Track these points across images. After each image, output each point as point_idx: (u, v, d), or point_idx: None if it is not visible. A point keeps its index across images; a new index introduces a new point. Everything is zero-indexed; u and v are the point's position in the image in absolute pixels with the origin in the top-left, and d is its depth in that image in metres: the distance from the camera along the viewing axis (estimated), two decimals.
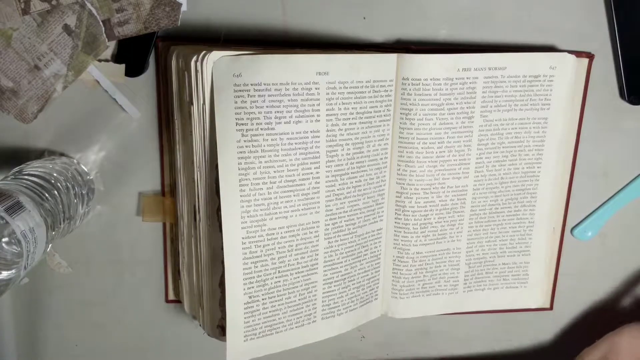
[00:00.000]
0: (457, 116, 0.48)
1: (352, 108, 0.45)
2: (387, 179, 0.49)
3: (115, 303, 0.54)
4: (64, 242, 0.51)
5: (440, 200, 0.50)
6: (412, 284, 0.52)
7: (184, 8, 0.46)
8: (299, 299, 0.47)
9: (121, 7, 0.44)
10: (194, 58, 0.41)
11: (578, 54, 0.50)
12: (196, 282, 0.47)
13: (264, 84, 0.41)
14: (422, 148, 0.48)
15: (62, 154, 0.49)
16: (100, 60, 0.47)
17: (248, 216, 0.43)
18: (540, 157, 0.51)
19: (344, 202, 0.47)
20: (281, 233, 0.45)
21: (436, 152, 0.49)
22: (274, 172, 0.43)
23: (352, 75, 0.44)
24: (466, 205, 0.51)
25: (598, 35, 0.51)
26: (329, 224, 0.47)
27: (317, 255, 0.47)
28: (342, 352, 0.58)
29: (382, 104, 0.46)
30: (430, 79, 0.46)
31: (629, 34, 0.50)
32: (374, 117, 0.46)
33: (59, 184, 0.45)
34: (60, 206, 0.44)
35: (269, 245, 0.45)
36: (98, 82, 0.47)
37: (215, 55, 0.40)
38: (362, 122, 0.46)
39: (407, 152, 0.48)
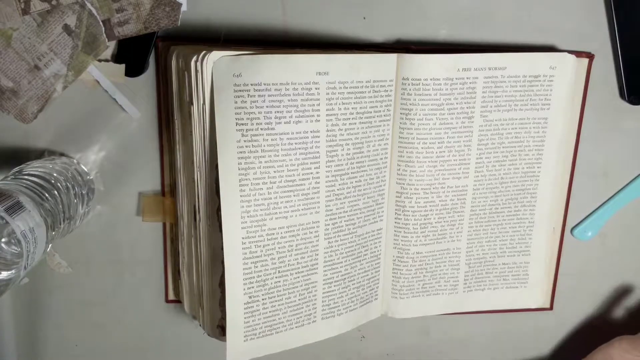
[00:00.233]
0: (457, 116, 0.48)
1: (352, 108, 0.45)
2: (387, 179, 0.49)
3: (115, 303, 0.54)
4: (64, 242, 0.51)
5: (440, 200, 0.50)
6: (412, 284, 0.52)
7: (184, 8, 0.46)
8: (299, 299, 0.47)
9: (121, 7, 0.44)
10: (194, 58, 0.41)
11: (578, 54, 0.50)
12: (196, 282, 0.47)
13: (264, 84, 0.41)
14: (422, 148, 0.48)
15: (62, 154, 0.49)
16: (100, 60, 0.47)
17: (248, 216, 0.43)
18: (540, 157, 0.51)
19: (344, 202, 0.47)
20: (281, 233, 0.45)
21: (436, 152, 0.49)
22: (274, 172, 0.43)
23: (352, 75, 0.44)
24: (466, 205, 0.51)
25: (598, 35, 0.51)
26: (329, 224, 0.47)
27: (317, 255, 0.47)
28: (342, 352, 0.58)
29: (382, 104, 0.46)
30: (430, 79, 0.46)
31: (629, 34, 0.50)
32: (374, 117, 0.46)
33: (59, 184, 0.45)
34: (60, 206, 0.44)
35: (269, 245, 0.45)
36: (98, 82, 0.47)
37: (215, 55, 0.40)
38: (362, 122, 0.46)
39: (407, 152, 0.48)
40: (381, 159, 0.48)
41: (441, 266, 0.52)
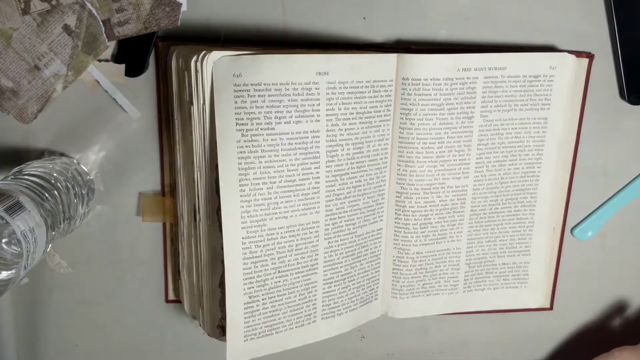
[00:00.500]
0: (457, 116, 0.48)
1: (352, 108, 0.45)
2: (387, 179, 0.49)
3: (115, 303, 0.54)
4: (64, 242, 0.51)
5: (440, 200, 0.50)
6: (412, 284, 0.52)
7: (184, 8, 0.46)
8: (299, 299, 0.47)
9: (121, 7, 0.44)
10: (194, 58, 0.41)
11: (578, 54, 0.50)
12: (196, 282, 0.47)
13: (264, 84, 0.41)
14: (422, 148, 0.48)
15: (62, 154, 0.49)
16: (100, 60, 0.47)
17: (248, 216, 0.43)
18: (540, 157, 0.51)
19: (344, 202, 0.47)
20: (281, 233, 0.45)
21: (436, 152, 0.49)
22: (274, 172, 0.43)
23: (352, 75, 0.44)
24: (466, 205, 0.51)
25: (598, 35, 0.51)
26: (329, 224, 0.47)
27: (317, 255, 0.47)
28: (342, 352, 0.58)
29: (382, 104, 0.46)
30: (430, 79, 0.46)
31: (629, 34, 0.50)
32: (374, 117, 0.46)
33: (59, 184, 0.45)
34: (60, 206, 0.44)
35: (269, 245, 0.45)
36: (98, 82, 0.47)
37: (215, 55, 0.40)
38: (362, 122, 0.46)
39: (407, 152, 0.48)
40: (381, 159, 0.48)
41: (441, 266, 0.52)
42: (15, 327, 0.53)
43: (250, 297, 0.45)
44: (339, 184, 0.46)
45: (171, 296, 0.53)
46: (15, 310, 0.53)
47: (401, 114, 0.47)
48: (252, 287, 0.45)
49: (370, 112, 0.46)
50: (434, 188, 0.50)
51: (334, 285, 0.49)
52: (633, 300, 0.60)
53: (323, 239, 0.47)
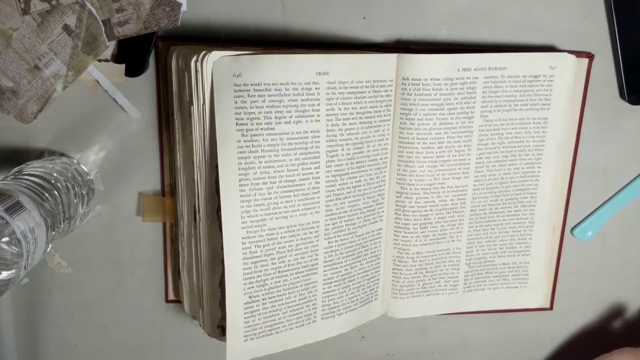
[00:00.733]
0: (457, 116, 0.48)
1: (352, 108, 0.45)
2: (387, 179, 0.49)
3: (115, 303, 0.54)
4: (64, 242, 0.51)
5: (440, 200, 0.50)
6: (412, 284, 0.52)
7: (184, 8, 0.46)
8: (299, 299, 0.47)
9: (121, 7, 0.44)
10: (194, 58, 0.41)
11: (578, 54, 0.50)
12: (196, 282, 0.47)
13: (264, 84, 0.41)
14: (422, 148, 0.48)
15: (62, 154, 0.49)
16: (100, 60, 0.47)
17: (248, 216, 0.43)
18: (540, 157, 0.51)
19: (344, 202, 0.47)
20: (281, 233, 0.45)
21: (436, 152, 0.49)
22: (274, 172, 0.43)
23: (352, 75, 0.44)
24: (466, 205, 0.51)
25: (598, 35, 0.51)
26: (329, 224, 0.47)
27: (317, 255, 0.47)
28: (342, 352, 0.58)
29: (382, 104, 0.46)
30: (430, 79, 0.46)
31: (629, 34, 0.50)
32: (374, 117, 0.46)
33: (59, 184, 0.45)
34: (60, 206, 0.44)
35: (269, 245, 0.45)
36: (98, 82, 0.47)
37: (215, 55, 0.40)
38: (362, 122, 0.46)
39: (407, 152, 0.48)
40: (381, 159, 0.48)
41: (441, 266, 0.52)
42: (15, 327, 0.53)
43: (250, 297, 0.45)
44: (339, 184, 0.46)
45: (171, 296, 0.53)
46: (15, 310, 0.53)
47: (401, 114, 0.47)
48: (252, 287, 0.45)
49: (370, 112, 0.46)
50: (434, 188, 0.50)
51: (334, 285, 0.49)
52: (633, 300, 0.60)
53: (323, 239, 0.47)
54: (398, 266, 0.51)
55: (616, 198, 0.56)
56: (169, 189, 0.50)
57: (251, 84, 0.41)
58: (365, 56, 0.45)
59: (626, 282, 0.59)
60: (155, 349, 0.56)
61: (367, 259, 0.50)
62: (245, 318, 0.45)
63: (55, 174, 0.45)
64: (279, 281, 0.46)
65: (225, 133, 0.41)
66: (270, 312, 0.46)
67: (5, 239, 0.37)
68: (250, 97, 0.41)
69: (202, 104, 0.41)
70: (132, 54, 0.47)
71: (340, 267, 0.48)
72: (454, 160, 0.49)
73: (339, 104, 0.44)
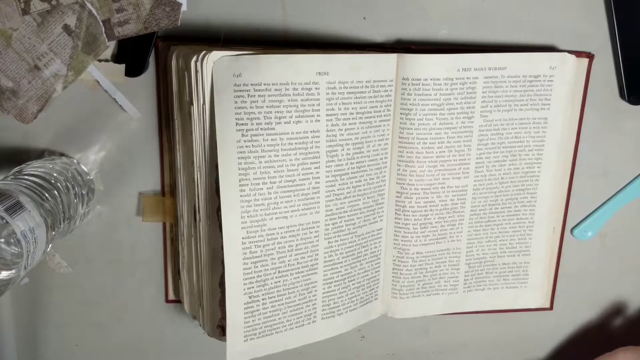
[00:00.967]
0: (457, 116, 0.48)
1: (352, 108, 0.45)
2: (387, 179, 0.49)
3: (115, 303, 0.54)
4: (64, 242, 0.51)
5: (440, 200, 0.50)
6: (412, 284, 0.52)
7: (184, 8, 0.46)
8: (299, 299, 0.47)
9: (121, 7, 0.44)
10: (194, 58, 0.41)
11: (578, 54, 0.50)
12: (196, 282, 0.47)
13: (264, 84, 0.41)
14: (422, 148, 0.48)
15: (62, 154, 0.49)
16: (100, 60, 0.47)
17: (248, 216, 0.43)
18: (540, 157, 0.51)
19: (344, 202, 0.47)
20: (281, 233, 0.45)
21: (436, 152, 0.49)
22: (274, 172, 0.43)
23: (352, 75, 0.44)
24: (466, 205, 0.51)
25: (598, 35, 0.51)
26: (329, 224, 0.47)
27: (317, 255, 0.47)
28: (342, 352, 0.58)
29: (382, 104, 0.46)
30: (430, 79, 0.46)
31: (629, 34, 0.50)
32: (374, 117, 0.46)
33: (59, 184, 0.45)
34: (60, 206, 0.44)
35: (269, 245, 0.45)
36: (98, 82, 0.47)
37: (215, 55, 0.40)
38: (362, 122, 0.46)
39: (407, 152, 0.48)
40: (381, 159, 0.48)
41: (441, 266, 0.52)
42: (15, 327, 0.53)
43: (250, 297, 0.45)
44: (339, 184, 0.46)
45: (171, 296, 0.53)
46: (15, 310, 0.53)
47: (401, 114, 0.47)
48: (252, 287, 0.45)
49: (370, 112, 0.46)
50: (434, 188, 0.50)
51: (334, 285, 0.49)
52: (633, 300, 0.60)
53: (323, 239, 0.47)
54: (398, 266, 0.51)
55: (616, 198, 0.56)
56: (169, 189, 0.50)
57: (251, 84, 0.41)
58: (365, 56, 0.45)
59: (626, 282, 0.59)
60: (155, 348, 0.56)
61: (367, 259, 0.50)
62: (245, 318, 0.45)
63: (55, 174, 0.45)
64: (279, 281, 0.46)
65: (225, 133, 0.41)
66: (270, 312, 0.46)
67: (5, 239, 0.37)
68: (250, 97, 0.41)
69: (202, 104, 0.41)
70: (132, 54, 0.47)
71: (340, 267, 0.48)
72: (454, 160, 0.49)
73: (339, 104, 0.44)
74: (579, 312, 0.59)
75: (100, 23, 0.44)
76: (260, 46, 0.47)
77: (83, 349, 0.55)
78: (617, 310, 0.60)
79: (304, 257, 0.46)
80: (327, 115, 0.44)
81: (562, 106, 0.50)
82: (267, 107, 0.42)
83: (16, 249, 0.37)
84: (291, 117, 0.43)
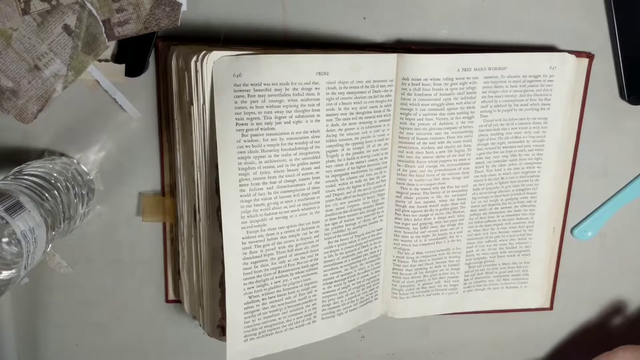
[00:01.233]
0: (457, 116, 0.48)
1: (352, 108, 0.45)
2: (387, 179, 0.49)
3: (115, 303, 0.54)
4: (64, 242, 0.51)
5: (440, 200, 0.50)
6: (412, 284, 0.52)
7: (184, 8, 0.46)
8: (299, 299, 0.47)
9: (121, 7, 0.44)
10: (194, 58, 0.41)
11: (578, 54, 0.50)
12: (196, 282, 0.47)
13: (264, 84, 0.41)
14: (422, 148, 0.48)
15: (62, 154, 0.49)
16: (100, 60, 0.47)
17: (248, 216, 0.43)
18: (540, 157, 0.51)
19: (344, 202, 0.47)
20: (281, 233, 0.45)
21: (436, 152, 0.49)
22: (274, 172, 0.43)
23: (352, 75, 0.44)
24: (466, 205, 0.51)
25: (598, 35, 0.51)
26: (329, 224, 0.47)
27: (317, 255, 0.47)
28: (342, 352, 0.58)
29: (382, 104, 0.46)
30: (430, 79, 0.46)
31: (629, 34, 0.50)
32: (374, 117, 0.46)
33: (59, 184, 0.45)
34: (60, 206, 0.44)
35: (269, 245, 0.45)
36: (98, 82, 0.47)
37: (215, 55, 0.40)
38: (362, 122, 0.46)
39: (407, 152, 0.48)
40: (381, 159, 0.48)
41: (441, 266, 0.52)
42: (15, 327, 0.53)
43: (250, 297, 0.45)
44: (339, 184, 0.46)
45: (171, 296, 0.53)
46: (15, 310, 0.53)
47: (401, 114, 0.47)
48: (252, 287, 0.45)
49: (370, 112, 0.46)
50: (434, 188, 0.50)
51: (334, 285, 0.49)
52: (633, 300, 0.60)
53: (323, 239, 0.47)
54: (398, 266, 0.51)
55: (616, 198, 0.56)
56: (169, 189, 0.50)
57: (251, 84, 0.41)
58: (365, 56, 0.45)
59: (626, 281, 0.59)
60: (155, 348, 0.56)
61: (367, 259, 0.50)
62: (245, 318, 0.45)
63: (55, 174, 0.45)
64: (279, 281, 0.46)
65: (225, 133, 0.41)
66: (270, 312, 0.46)
67: (5, 239, 0.37)
68: (250, 97, 0.41)
69: (202, 104, 0.41)
70: (132, 54, 0.47)
71: (340, 267, 0.48)
72: (454, 160, 0.49)
73: (339, 104, 0.44)
74: (579, 312, 0.59)
75: (100, 23, 0.44)
76: (260, 46, 0.47)
77: (83, 349, 0.55)
78: (616, 309, 0.60)
79: (304, 257, 0.46)
80: (327, 115, 0.44)
81: (562, 106, 0.50)
82: (267, 107, 0.42)
83: (16, 249, 0.37)
84: (291, 117, 0.43)
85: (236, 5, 0.47)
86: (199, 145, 0.43)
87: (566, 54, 0.49)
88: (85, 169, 0.49)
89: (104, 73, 0.47)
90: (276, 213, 0.44)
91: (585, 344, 0.60)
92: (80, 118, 0.48)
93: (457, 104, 0.48)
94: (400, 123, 0.48)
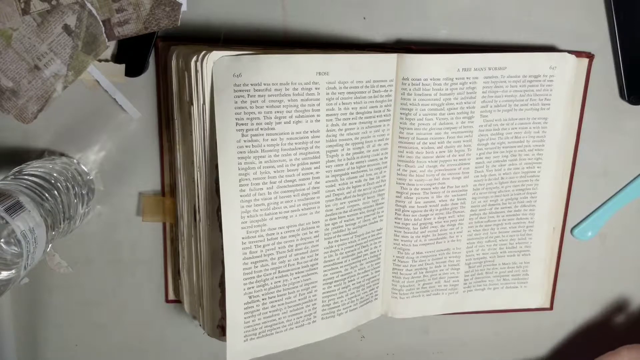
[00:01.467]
0: (457, 116, 0.48)
1: (352, 108, 0.45)
2: (387, 179, 0.49)
3: (115, 303, 0.54)
4: (64, 242, 0.51)
5: (440, 200, 0.50)
6: (412, 284, 0.52)
7: (184, 8, 0.46)
8: (299, 299, 0.47)
9: (121, 7, 0.44)
10: (194, 58, 0.41)
11: (578, 54, 0.50)
12: (196, 282, 0.47)
13: (264, 84, 0.41)
14: (422, 148, 0.48)
15: (62, 154, 0.49)
16: (100, 60, 0.47)
17: (248, 216, 0.43)
18: (540, 157, 0.51)
19: (344, 202, 0.47)
20: (281, 233, 0.45)
21: (436, 152, 0.49)
22: (274, 172, 0.43)
23: (352, 75, 0.44)
24: (466, 205, 0.51)
25: (598, 35, 0.51)
26: (329, 224, 0.47)
27: (317, 255, 0.47)
28: (342, 352, 0.58)
29: (382, 104, 0.46)
30: (430, 79, 0.46)
31: (629, 34, 0.50)
32: (374, 117, 0.46)
33: (59, 184, 0.45)
34: (60, 206, 0.44)
35: (269, 245, 0.45)
36: (98, 82, 0.48)
37: (215, 55, 0.40)
38: (362, 122, 0.46)
39: (407, 152, 0.48)
40: (381, 159, 0.48)
41: (441, 266, 0.52)
42: (15, 327, 0.53)
43: (250, 297, 0.45)
44: (339, 184, 0.46)
45: (171, 296, 0.53)
46: (15, 310, 0.53)
47: (401, 114, 0.47)
48: (252, 287, 0.45)
49: (370, 112, 0.46)
50: (434, 188, 0.50)
51: (334, 285, 0.49)
52: (633, 300, 0.60)
53: (323, 239, 0.47)
54: (398, 266, 0.51)
55: (616, 198, 0.56)
56: (169, 189, 0.50)
57: (251, 84, 0.41)
58: (365, 56, 0.45)
59: (626, 282, 0.59)
60: (155, 348, 0.56)
61: (367, 259, 0.50)
62: (245, 318, 0.45)
63: (55, 174, 0.45)
64: (279, 281, 0.46)
65: (225, 133, 0.41)
66: (270, 312, 0.46)
67: (5, 239, 0.37)
68: (250, 97, 0.41)
69: (202, 104, 0.41)
70: (132, 54, 0.47)
71: (340, 267, 0.48)
72: (454, 160, 0.49)
73: (339, 104, 0.44)
74: (579, 312, 0.59)
75: (100, 23, 0.44)
76: (260, 46, 0.47)
77: (83, 349, 0.55)
78: (616, 309, 0.60)
79: (304, 257, 0.46)
80: (327, 115, 0.44)
81: (562, 106, 0.50)
82: (267, 107, 0.42)
83: (16, 249, 0.37)
84: (291, 117, 0.43)
85: (236, 5, 0.47)
86: (199, 145, 0.43)
87: (566, 54, 0.49)
88: (85, 169, 0.49)
89: (104, 73, 0.47)
90: (276, 213, 0.44)
91: (585, 344, 0.60)
92: (80, 118, 0.48)
93: (457, 104, 0.48)
94: (400, 123, 0.48)
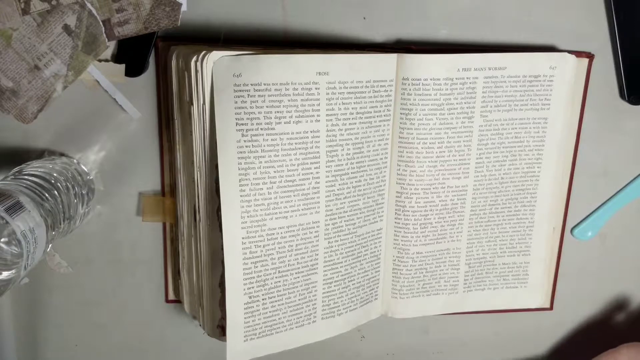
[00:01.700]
0: (457, 116, 0.48)
1: (352, 108, 0.45)
2: (387, 179, 0.49)
3: (115, 303, 0.54)
4: (64, 242, 0.51)
5: (440, 200, 0.50)
6: (412, 284, 0.52)
7: (184, 8, 0.46)
8: (299, 299, 0.47)
9: (121, 7, 0.44)
10: (194, 58, 0.41)
11: (578, 54, 0.50)
12: (196, 282, 0.47)
13: (264, 84, 0.41)
14: (422, 148, 0.48)
15: (62, 154, 0.49)
16: (100, 60, 0.47)
17: (248, 216, 0.43)
18: (540, 157, 0.51)
19: (344, 202, 0.47)
20: (281, 233, 0.45)
21: (436, 152, 0.49)
22: (274, 172, 0.43)
23: (352, 75, 0.44)
24: (466, 205, 0.51)
25: (598, 35, 0.51)
26: (329, 224, 0.47)
27: (317, 255, 0.47)
28: (342, 352, 0.58)
29: (382, 104, 0.46)
30: (430, 79, 0.46)
31: (629, 34, 0.50)
32: (374, 117, 0.46)
33: (59, 184, 0.45)
34: (60, 206, 0.44)
35: (269, 245, 0.45)
36: (98, 82, 0.48)
37: (215, 55, 0.40)
38: (362, 122, 0.46)
39: (407, 152, 0.48)
40: (381, 159, 0.48)
41: (441, 266, 0.52)
42: (15, 327, 0.53)
43: (250, 297, 0.45)
44: (339, 184, 0.46)
45: (171, 296, 0.53)
46: (15, 310, 0.53)
47: (401, 114, 0.47)
48: (252, 287, 0.45)
49: (370, 112, 0.46)
50: (434, 188, 0.50)
51: (334, 285, 0.49)
52: (633, 300, 0.60)
53: (323, 239, 0.47)
54: (398, 266, 0.51)
55: (616, 198, 0.56)
56: (169, 189, 0.50)
57: (251, 84, 0.41)
58: (365, 56, 0.45)
59: (626, 281, 0.59)
60: (155, 348, 0.56)
61: (367, 259, 0.50)
62: (245, 318, 0.45)
63: (55, 174, 0.45)
64: (279, 281, 0.46)
65: (225, 133, 0.41)
66: (270, 312, 0.46)
67: (5, 239, 0.37)
68: (250, 97, 0.41)
69: (202, 104, 0.41)
70: (132, 54, 0.47)
71: (340, 267, 0.48)
72: (454, 160, 0.49)
73: (339, 104, 0.44)
74: (578, 312, 0.60)
75: (100, 23, 0.44)
76: (260, 46, 0.47)
77: (83, 349, 0.55)
78: (616, 309, 0.60)
79: (304, 257, 0.46)
80: (327, 115, 0.44)
81: (562, 106, 0.50)
82: (267, 107, 0.42)
83: (16, 249, 0.37)
84: (291, 117, 0.43)
85: (236, 5, 0.47)
86: (199, 145, 0.43)
87: (566, 54, 0.49)
88: (85, 169, 0.49)
89: (104, 73, 0.47)
90: (276, 213, 0.44)
91: (585, 344, 0.60)
92: (80, 118, 0.48)
93: (457, 104, 0.48)
94: (400, 123, 0.48)
